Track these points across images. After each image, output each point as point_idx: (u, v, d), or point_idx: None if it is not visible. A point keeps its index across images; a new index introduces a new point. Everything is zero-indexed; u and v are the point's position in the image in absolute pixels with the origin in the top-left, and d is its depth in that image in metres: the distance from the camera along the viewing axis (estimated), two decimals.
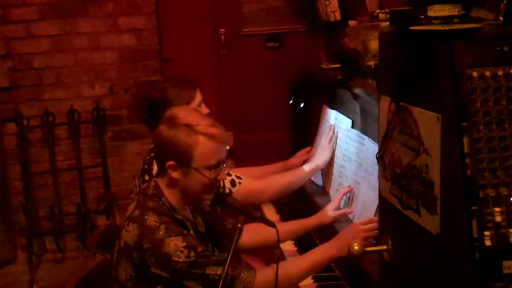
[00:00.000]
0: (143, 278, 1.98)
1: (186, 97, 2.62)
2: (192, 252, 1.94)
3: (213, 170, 2.04)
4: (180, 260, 1.92)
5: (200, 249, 1.96)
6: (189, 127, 2.02)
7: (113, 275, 2.08)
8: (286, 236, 2.47)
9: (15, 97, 3.99)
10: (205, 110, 2.68)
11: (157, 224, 1.96)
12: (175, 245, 1.93)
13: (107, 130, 4.09)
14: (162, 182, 2.08)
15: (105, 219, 4.07)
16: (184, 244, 1.94)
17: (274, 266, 2.00)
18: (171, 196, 2.06)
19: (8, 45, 3.94)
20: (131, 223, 2.00)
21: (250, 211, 2.09)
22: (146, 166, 2.57)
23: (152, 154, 2.56)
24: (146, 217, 1.99)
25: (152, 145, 2.54)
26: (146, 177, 2.56)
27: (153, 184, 2.08)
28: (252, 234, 2.32)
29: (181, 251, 1.93)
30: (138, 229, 1.97)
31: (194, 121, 2.04)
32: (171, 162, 2.02)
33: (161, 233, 1.95)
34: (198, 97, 2.67)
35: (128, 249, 1.98)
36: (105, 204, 4.11)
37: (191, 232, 2.07)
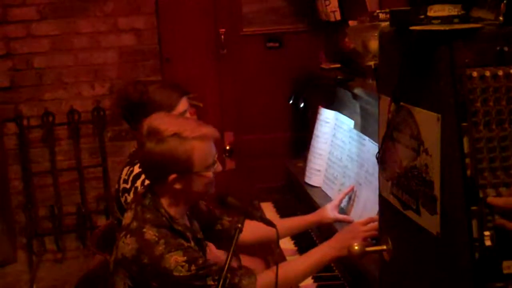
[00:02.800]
0: None
1: (167, 104, 2.50)
2: (193, 265, 1.92)
3: (212, 168, 2.05)
4: (181, 274, 1.90)
5: (200, 261, 1.94)
6: (179, 136, 1.97)
7: (110, 282, 2.06)
8: (285, 232, 2.47)
9: (15, 97, 3.99)
10: (194, 120, 2.63)
11: (156, 239, 1.93)
12: (175, 260, 1.91)
13: (107, 130, 4.09)
14: (159, 193, 2.04)
15: (105, 219, 4.07)
16: (185, 258, 1.92)
17: (274, 268, 1.99)
18: (170, 206, 2.03)
19: (8, 45, 3.94)
20: (128, 236, 1.97)
21: (250, 211, 2.08)
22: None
23: (129, 160, 2.56)
24: (145, 230, 1.96)
25: (134, 150, 2.53)
26: (116, 186, 2.57)
27: (150, 195, 2.04)
28: (251, 230, 2.31)
29: (182, 266, 1.91)
30: (137, 243, 1.94)
31: (180, 128, 1.99)
32: (173, 176, 1.98)
33: (160, 248, 1.92)
34: (182, 105, 2.55)
35: (126, 262, 1.96)
36: (105, 204, 4.12)
37: (191, 243, 2.05)
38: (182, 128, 2.00)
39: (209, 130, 2.05)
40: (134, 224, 1.99)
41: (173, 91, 2.58)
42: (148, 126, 2.01)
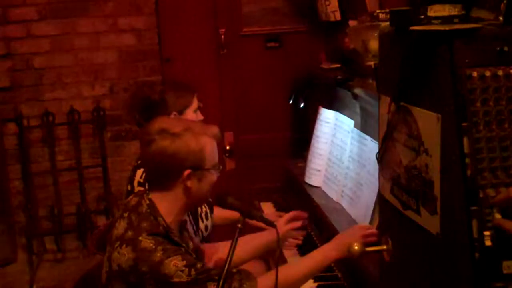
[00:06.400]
0: None
1: (184, 102, 2.62)
2: (193, 270, 1.89)
3: (218, 168, 2.07)
4: (182, 280, 1.88)
5: (199, 265, 1.92)
6: (192, 131, 2.00)
7: None
8: (246, 256, 2.35)
9: (15, 97, 3.99)
10: (200, 116, 2.68)
11: (153, 247, 1.90)
12: (175, 265, 1.88)
13: (107, 130, 4.09)
14: (158, 199, 2.02)
15: (105, 219, 4.07)
16: (184, 262, 1.90)
17: (275, 271, 1.98)
18: (167, 214, 2.00)
19: (8, 45, 3.94)
20: (124, 246, 1.93)
21: (250, 211, 2.08)
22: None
23: (139, 162, 2.55)
24: (141, 238, 1.92)
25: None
26: (128, 187, 2.56)
27: (147, 202, 2.01)
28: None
29: (182, 271, 1.88)
30: (133, 253, 1.90)
31: (190, 125, 2.04)
32: (187, 171, 1.98)
33: (158, 254, 1.89)
34: (195, 103, 2.67)
35: (122, 273, 1.92)
36: (105, 204, 4.11)
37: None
38: (193, 125, 2.05)
39: (216, 130, 2.09)
40: (129, 233, 1.95)
41: (186, 89, 2.69)
42: (158, 126, 2.02)
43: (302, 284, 2.19)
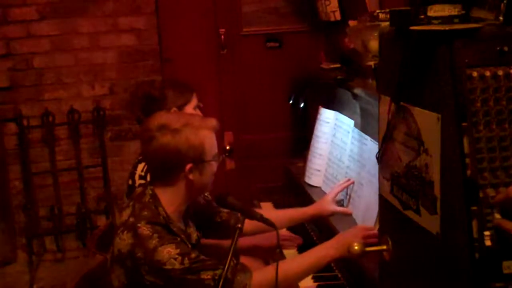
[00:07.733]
0: (136, 286, 1.96)
1: (183, 99, 2.65)
2: (186, 258, 1.92)
3: (218, 158, 2.10)
4: (174, 267, 1.90)
5: (193, 255, 1.94)
6: (191, 126, 2.03)
7: (107, 279, 2.07)
8: (282, 224, 2.49)
9: (15, 97, 4.00)
10: (199, 115, 2.69)
11: (150, 234, 1.94)
12: (168, 252, 1.91)
13: (107, 130, 4.10)
14: (160, 191, 2.05)
15: (105, 219, 4.07)
16: (178, 251, 1.92)
17: (272, 266, 1.99)
18: (169, 205, 2.04)
19: (8, 45, 3.94)
20: (125, 232, 1.98)
21: (250, 211, 2.09)
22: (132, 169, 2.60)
23: (140, 158, 2.57)
24: (139, 225, 1.96)
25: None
26: (130, 182, 2.57)
27: (150, 192, 2.05)
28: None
29: (175, 258, 1.91)
30: (132, 238, 1.95)
31: (189, 119, 2.07)
32: (189, 165, 2.01)
33: (154, 242, 1.92)
34: (194, 100, 2.69)
35: (121, 257, 1.96)
36: (105, 204, 4.12)
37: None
38: (191, 119, 2.09)
39: (214, 122, 2.12)
40: (131, 220, 2.01)
41: (185, 87, 2.71)
42: (158, 122, 2.05)
43: (301, 279, 2.20)
